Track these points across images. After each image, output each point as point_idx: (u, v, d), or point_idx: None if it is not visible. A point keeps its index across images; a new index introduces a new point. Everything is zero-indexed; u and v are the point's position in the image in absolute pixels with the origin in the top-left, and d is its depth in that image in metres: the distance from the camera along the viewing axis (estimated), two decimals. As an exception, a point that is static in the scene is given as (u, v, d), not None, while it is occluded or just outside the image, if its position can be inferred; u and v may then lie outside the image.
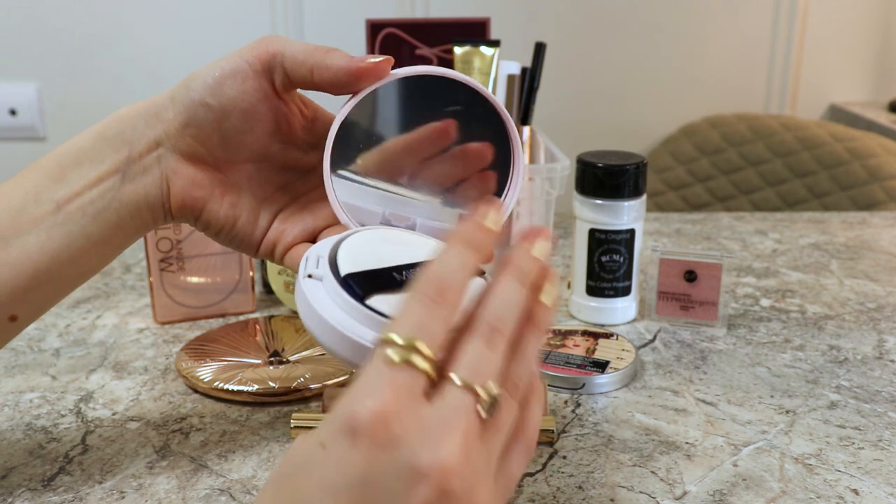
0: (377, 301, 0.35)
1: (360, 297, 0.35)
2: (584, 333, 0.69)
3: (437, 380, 0.31)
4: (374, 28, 0.90)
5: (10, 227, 0.44)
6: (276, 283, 0.75)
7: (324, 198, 0.46)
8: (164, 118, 0.45)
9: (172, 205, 0.46)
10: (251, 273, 0.75)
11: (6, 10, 1.71)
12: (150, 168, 0.45)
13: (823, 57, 1.80)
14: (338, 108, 0.45)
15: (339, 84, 0.43)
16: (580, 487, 0.50)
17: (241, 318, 0.75)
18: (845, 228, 1.02)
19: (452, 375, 0.31)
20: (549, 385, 0.62)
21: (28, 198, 0.44)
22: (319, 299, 0.36)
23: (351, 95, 0.44)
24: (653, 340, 0.71)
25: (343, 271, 0.37)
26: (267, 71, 0.44)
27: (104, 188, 0.44)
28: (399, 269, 0.38)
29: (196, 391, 0.62)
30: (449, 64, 0.89)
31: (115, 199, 0.45)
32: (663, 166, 1.69)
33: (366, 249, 0.39)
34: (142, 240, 0.73)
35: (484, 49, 0.87)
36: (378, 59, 0.43)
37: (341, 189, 0.46)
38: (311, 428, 0.55)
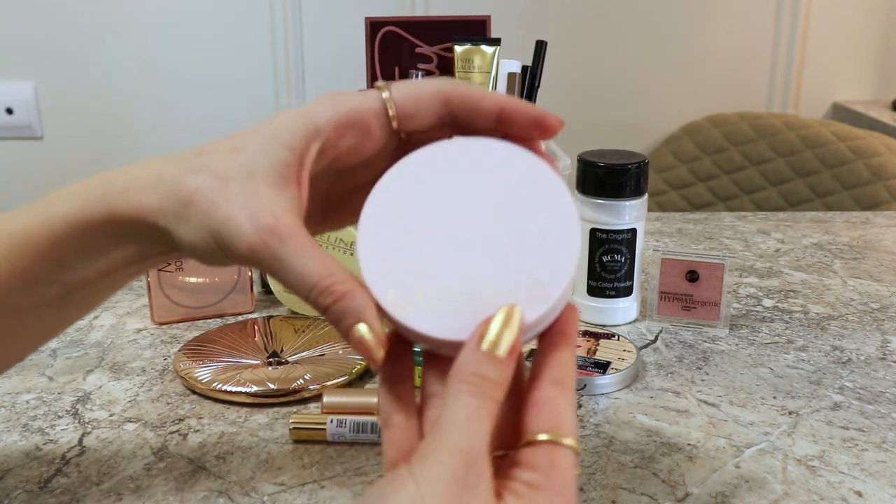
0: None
1: None
2: (586, 334, 0.68)
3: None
4: (374, 26, 0.90)
5: (18, 303, 0.40)
6: (275, 284, 0.75)
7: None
8: (177, 232, 0.37)
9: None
10: (250, 273, 0.75)
11: (3, 9, 1.71)
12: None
13: (826, 55, 1.79)
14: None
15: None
16: (581, 489, 0.50)
17: (240, 318, 0.74)
18: (848, 228, 1.01)
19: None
20: (549, 386, 0.61)
21: (27, 280, 0.40)
22: None
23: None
24: (654, 341, 0.70)
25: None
26: None
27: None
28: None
29: (194, 392, 0.61)
30: (448, 62, 0.89)
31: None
32: (665, 165, 1.69)
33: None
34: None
35: (484, 47, 0.87)
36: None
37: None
38: (309, 429, 0.54)
